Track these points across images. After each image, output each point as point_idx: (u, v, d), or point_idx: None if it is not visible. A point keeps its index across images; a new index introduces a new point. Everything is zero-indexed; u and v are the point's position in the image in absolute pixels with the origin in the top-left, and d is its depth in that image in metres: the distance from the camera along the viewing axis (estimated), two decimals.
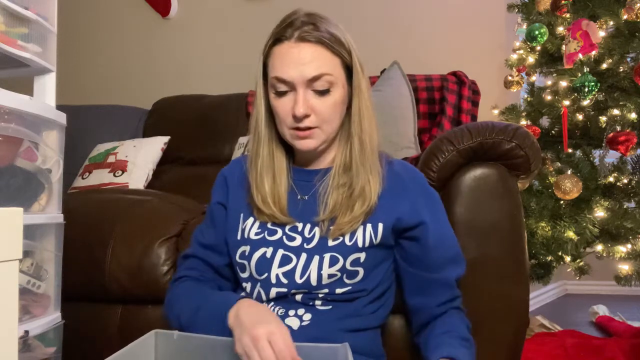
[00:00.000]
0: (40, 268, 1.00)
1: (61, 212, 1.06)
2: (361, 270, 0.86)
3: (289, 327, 0.85)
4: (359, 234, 0.87)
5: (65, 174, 1.10)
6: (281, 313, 0.86)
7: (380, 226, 0.87)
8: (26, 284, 0.97)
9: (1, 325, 0.51)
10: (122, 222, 1.27)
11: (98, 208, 1.37)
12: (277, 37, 0.86)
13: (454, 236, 0.95)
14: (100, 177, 1.98)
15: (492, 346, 1.07)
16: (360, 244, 0.86)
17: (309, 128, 0.86)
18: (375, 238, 0.87)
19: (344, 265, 0.85)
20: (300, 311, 0.86)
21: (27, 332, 0.93)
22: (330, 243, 0.86)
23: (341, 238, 0.86)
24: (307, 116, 0.85)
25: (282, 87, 0.85)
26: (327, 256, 0.85)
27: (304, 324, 0.85)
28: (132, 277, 1.22)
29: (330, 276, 0.85)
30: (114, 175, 1.97)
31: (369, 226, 0.87)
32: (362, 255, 0.86)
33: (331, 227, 0.86)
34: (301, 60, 0.83)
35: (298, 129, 0.86)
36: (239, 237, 0.92)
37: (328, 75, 0.85)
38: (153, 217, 1.31)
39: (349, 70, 0.89)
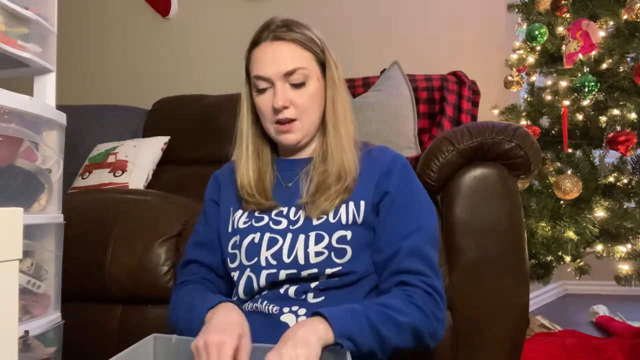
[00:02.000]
0: (40, 268, 1.00)
1: (61, 212, 1.06)
2: (349, 249, 0.88)
3: (286, 324, 0.85)
4: (342, 211, 0.90)
5: (65, 174, 1.10)
6: (276, 311, 0.87)
7: (362, 204, 0.90)
8: (26, 284, 0.97)
9: (1, 325, 0.51)
10: (122, 222, 1.28)
11: (98, 208, 1.37)
12: (255, 41, 0.95)
13: (425, 213, 0.90)
14: (100, 177, 1.98)
15: (492, 346, 1.07)
16: (343, 221, 0.89)
17: (290, 121, 0.92)
18: (358, 216, 0.90)
19: (330, 242, 0.87)
20: (295, 307, 0.87)
21: (27, 332, 0.93)
22: (315, 222, 0.89)
23: (325, 217, 0.90)
24: (285, 108, 0.91)
25: (262, 85, 0.92)
26: (312, 234, 0.88)
27: (300, 319, 0.85)
28: (132, 277, 1.22)
29: (317, 254, 0.87)
30: (114, 175, 1.97)
31: (351, 204, 0.90)
32: (348, 234, 0.88)
33: (313, 208, 0.90)
34: (276, 57, 0.91)
35: (279, 122, 0.92)
36: (230, 230, 0.96)
37: (302, 69, 0.91)
38: (153, 217, 1.31)
39: (323, 66, 0.96)
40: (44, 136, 1.03)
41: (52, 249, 1.03)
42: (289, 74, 0.90)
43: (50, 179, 1.02)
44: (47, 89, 1.08)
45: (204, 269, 0.99)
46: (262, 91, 0.93)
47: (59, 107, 1.06)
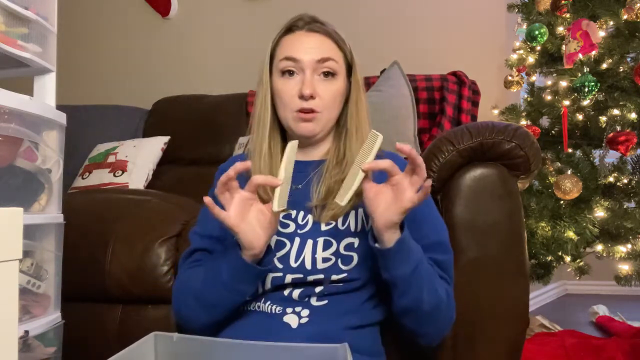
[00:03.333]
0: (40, 268, 1.00)
1: (61, 212, 1.06)
2: (355, 256, 0.88)
3: (288, 324, 0.85)
4: (351, 218, 0.89)
5: (65, 174, 1.10)
6: (279, 311, 0.87)
7: None
8: (26, 284, 0.97)
9: (1, 325, 0.51)
10: (122, 222, 1.27)
11: (98, 208, 1.37)
12: (289, 28, 0.94)
13: (440, 226, 0.94)
14: (100, 177, 1.98)
15: (492, 346, 1.07)
16: (352, 228, 0.89)
17: (312, 111, 0.90)
18: (367, 223, 0.89)
19: (337, 249, 0.87)
20: (298, 308, 0.87)
21: (27, 332, 0.93)
22: (323, 227, 0.89)
23: (334, 223, 0.89)
24: (312, 98, 0.90)
25: (291, 68, 0.91)
26: (320, 240, 0.88)
27: (302, 321, 0.86)
28: (132, 277, 1.22)
29: (324, 260, 0.86)
30: (114, 175, 1.97)
31: (360, 211, 0.90)
32: (356, 241, 0.88)
33: (323, 212, 0.89)
34: (312, 45, 0.91)
35: (302, 110, 0.90)
36: None
37: (333, 61, 0.91)
38: (153, 217, 1.31)
39: (348, 68, 0.95)
40: (44, 136, 1.03)
41: (52, 249, 1.03)
42: (321, 61, 0.90)
43: (50, 179, 1.02)
44: (47, 89, 1.08)
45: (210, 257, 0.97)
46: (288, 75, 0.91)
47: (59, 107, 1.06)
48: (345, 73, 0.94)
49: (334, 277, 0.87)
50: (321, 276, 0.86)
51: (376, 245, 0.80)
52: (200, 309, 0.88)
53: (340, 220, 0.89)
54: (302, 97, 0.89)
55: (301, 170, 0.96)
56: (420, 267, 0.82)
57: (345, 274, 0.87)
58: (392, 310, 0.87)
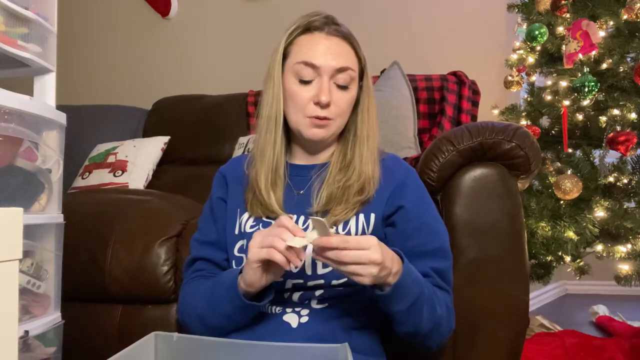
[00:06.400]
0: (40, 268, 1.00)
1: (61, 212, 1.06)
2: None
3: (288, 323, 0.85)
4: (352, 223, 0.88)
5: (65, 174, 1.10)
6: (279, 311, 0.87)
7: (373, 216, 0.89)
8: (26, 284, 0.97)
9: (1, 325, 0.51)
10: (122, 222, 1.27)
11: (98, 208, 1.37)
12: (306, 27, 0.90)
13: (442, 232, 0.93)
14: (100, 177, 1.98)
15: (492, 346, 1.07)
16: (353, 234, 0.88)
17: (327, 118, 0.88)
18: (368, 228, 0.89)
19: None
20: (298, 308, 0.87)
21: (27, 332, 0.92)
22: None
23: (334, 228, 0.88)
24: (328, 105, 0.88)
25: (308, 73, 0.88)
26: None
27: (302, 320, 0.86)
28: (132, 277, 1.22)
29: (325, 265, 0.86)
30: (114, 175, 1.97)
31: (361, 216, 0.89)
32: None
33: (324, 218, 0.87)
34: (332, 50, 0.88)
35: (317, 117, 0.88)
36: (236, 232, 0.94)
37: (351, 71, 0.89)
38: (153, 217, 1.31)
39: (361, 74, 0.94)
40: (44, 136, 1.02)
41: (52, 249, 1.03)
42: (340, 70, 0.88)
43: (50, 179, 1.02)
44: (47, 89, 1.08)
45: (211, 266, 0.97)
46: (305, 82, 0.88)
47: (59, 107, 1.06)
48: (357, 79, 0.92)
49: (334, 282, 0.86)
50: (321, 281, 0.86)
51: (374, 290, 0.80)
52: (204, 328, 0.89)
53: (340, 226, 0.88)
54: (317, 103, 0.87)
55: (303, 174, 0.95)
56: (420, 298, 0.81)
57: (345, 279, 0.86)
58: (392, 328, 0.87)
